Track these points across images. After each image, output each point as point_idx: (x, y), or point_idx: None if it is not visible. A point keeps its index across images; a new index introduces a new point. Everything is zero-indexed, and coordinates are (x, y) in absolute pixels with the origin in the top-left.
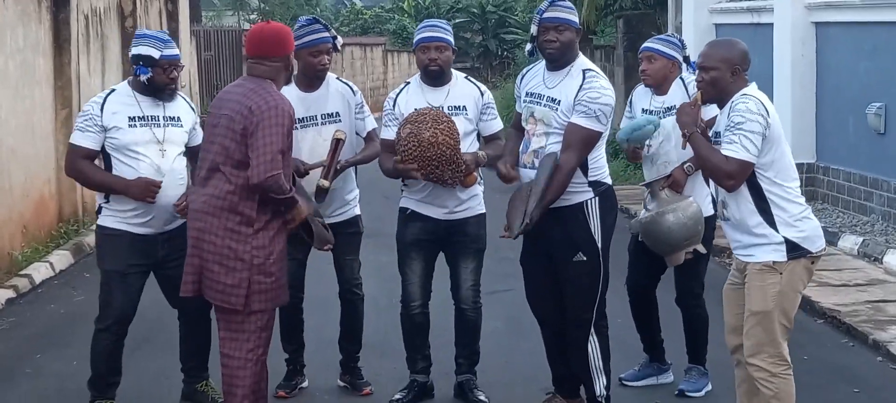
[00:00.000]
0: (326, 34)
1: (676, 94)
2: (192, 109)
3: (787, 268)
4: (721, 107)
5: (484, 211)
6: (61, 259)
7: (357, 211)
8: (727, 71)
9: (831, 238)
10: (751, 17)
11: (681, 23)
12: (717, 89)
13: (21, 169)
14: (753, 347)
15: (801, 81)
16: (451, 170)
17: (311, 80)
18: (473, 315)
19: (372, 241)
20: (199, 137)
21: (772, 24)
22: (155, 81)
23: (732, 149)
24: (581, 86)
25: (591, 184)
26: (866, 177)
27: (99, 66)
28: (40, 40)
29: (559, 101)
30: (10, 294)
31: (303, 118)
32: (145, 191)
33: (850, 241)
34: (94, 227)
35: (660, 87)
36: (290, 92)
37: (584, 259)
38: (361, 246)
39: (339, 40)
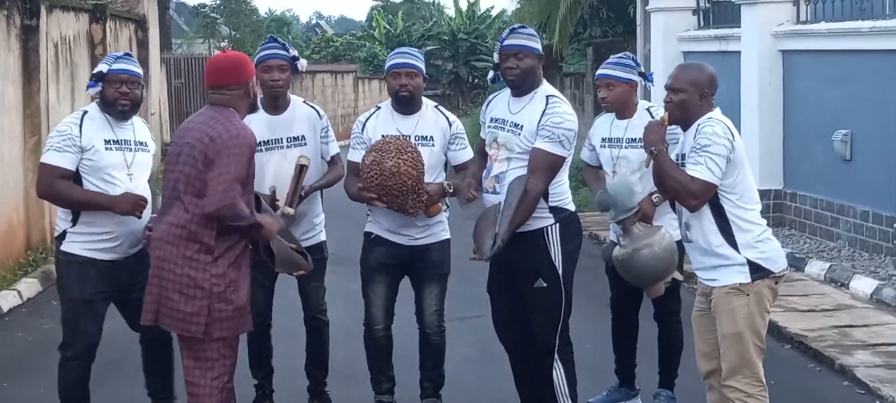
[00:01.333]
0: (279, 50)
1: (641, 124)
2: (153, 137)
3: (753, 290)
4: (685, 129)
5: (448, 236)
6: (29, 286)
7: (323, 236)
8: (695, 94)
9: (798, 263)
10: (719, 44)
11: (649, 50)
12: (684, 111)
13: None
14: (729, 370)
15: (769, 108)
16: (414, 200)
17: (274, 102)
18: (437, 339)
19: (341, 268)
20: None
21: (739, 52)
22: (105, 96)
23: (698, 170)
24: (544, 111)
25: (551, 209)
26: (833, 204)
27: (68, 95)
28: (9, 68)
29: (522, 127)
30: None
31: (268, 141)
32: (134, 206)
33: (816, 267)
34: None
35: (621, 112)
36: (258, 115)
37: (545, 285)
38: (330, 272)
39: (302, 63)
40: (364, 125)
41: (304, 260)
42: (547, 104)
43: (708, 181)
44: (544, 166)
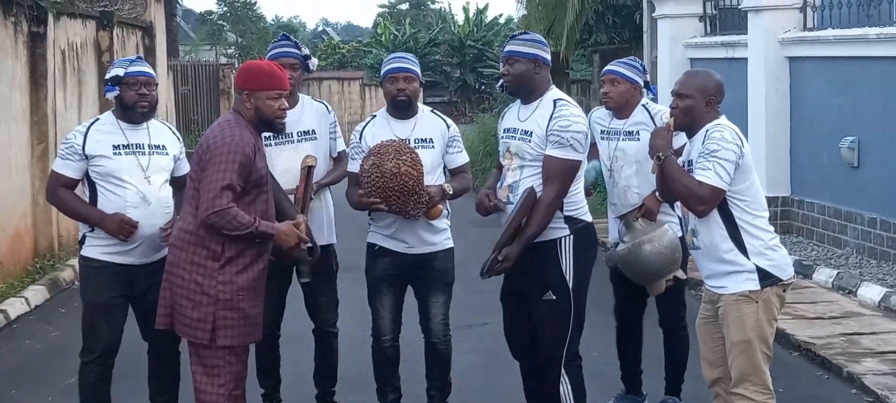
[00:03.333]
0: (291, 48)
1: (639, 120)
2: (178, 139)
3: (762, 297)
4: (690, 135)
5: (452, 245)
6: (37, 294)
7: (332, 239)
8: (702, 101)
9: (806, 271)
10: (725, 51)
11: (656, 57)
12: (690, 117)
13: None
14: (738, 378)
15: (776, 115)
16: (414, 202)
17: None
18: (444, 348)
19: (349, 275)
20: (184, 167)
21: (746, 59)
22: (123, 100)
23: (706, 175)
24: (552, 116)
25: (566, 220)
26: (840, 211)
27: (75, 101)
28: (17, 75)
29: (531, 133)
30: None
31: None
32: (119, 228)
33: (824, 274)
34: (70, 262)
35: (621, 111)
36: None
37: (554, 298)
38: (339, 279)
39: (314, 61)
40: (361, 134)
41: (307, 254)
42: (554, 108)
43: (716, 186)
44: (557, 173)
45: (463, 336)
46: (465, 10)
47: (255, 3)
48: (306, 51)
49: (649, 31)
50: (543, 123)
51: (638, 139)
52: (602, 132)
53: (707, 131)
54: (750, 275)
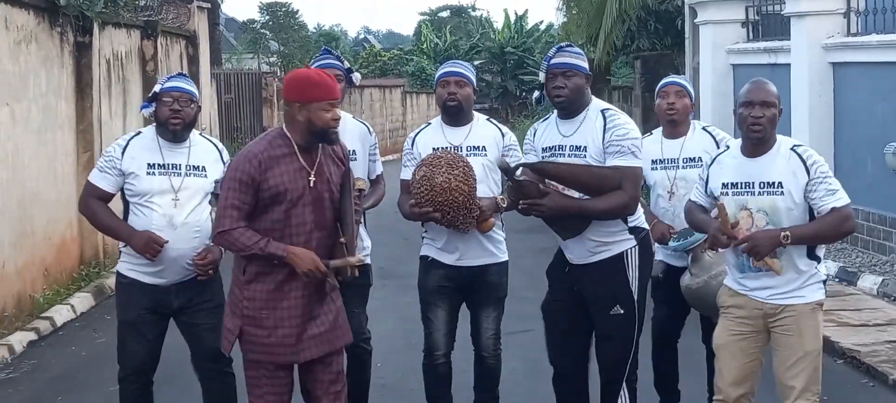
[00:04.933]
0: (334, 61)
1: (699, 144)
2: (223, 160)
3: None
4: (763, 148)
5: (506, 258)
6: (82, 301)
7: (368, 260)
8: (778, 109)
9: (851, 277)
10: (768, 57)
11: (698, 63)
12: (773, 126)
13: (43, 212)
14: (803, 390)
15: (819, 121)
16: (465, 216)
17: None
18: (493, 362)
19: (392, 283)
20: None
21: (789, 65)
22: (158, 116)
23: (838, 197)
24: (606, 127)
25: (631, 230)
26: (885, 217)
27: (120, 110)
28: (63, 84)
29: (584, 147)
30: (32, 336)
31: None
32: (147, 246)
33: (869, 281)
34: (115, 269)
35: (677, 128)
36: None
37: (622, 312)
38: (380, 287)
39: (357, 76)
40: (414, 140)
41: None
42: (605, 119)
43: (848, 199)
44: (631, 179)
45: (505, 344)
46: (506, 16)
47: (297, 11)
48: (347, 63)
49: (691, 38)
50: (598, 136)
51: (699, 164)
52: (656, 162)
53: (801, 156)
54: (820, 285)
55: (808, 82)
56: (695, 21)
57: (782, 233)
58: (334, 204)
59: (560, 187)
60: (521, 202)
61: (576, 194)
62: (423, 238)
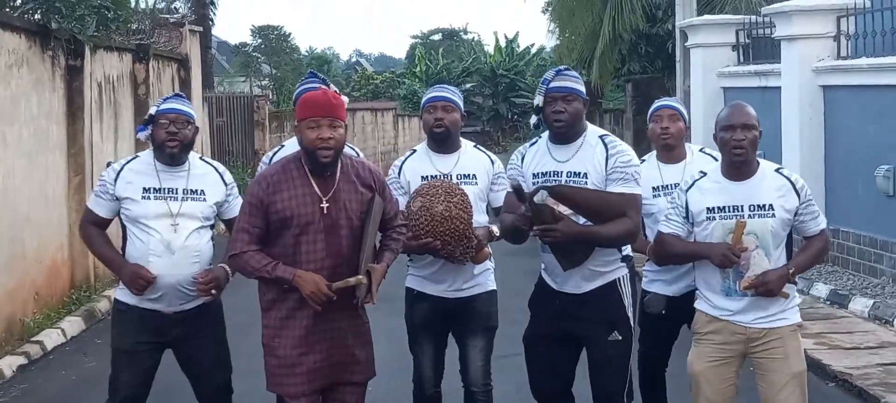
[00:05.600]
0: (319, 84)
1: (697, 165)
2: (224, 182)
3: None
4: (747, 172)
5: (494, 287)
6: (73, 325)
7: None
8: (758, 131)
9: (842, 300)
10: (759, 80)
11: (689, 86)
12: (754, 149)
13: (34, 235)
14: None
15: (810, 144)
16: (463, 247)
17: None
18: (483, 398)
19: (384, 306)
20: (234, 209)
21: (779, 88)
22: (154, 138)
23: (820, 219)
24: (607, 154)
25: (624, 259)
26: (876, 240)
27: (111, 134)
28: (54, 108)
29: (584, 174)
30: (22, 360)
31: None
32: (133, 280)
33: (860, 304)
34: (106, 293)
35: (671, 152)
36: (294, 152)
37: (620, 338)
38: (372, 310)
39: (344, 100)
40: (400, 169)
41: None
42: (606, 146)
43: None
44: (634, 207)
45: (498, 367)
46: (497, 39)
47: (289, 34)
48: (335, 88)
49: (682, 61)
50: (599, 162)
51: None
52: (657, 188)
53: (789, 179)
54: (797, 307)
55: (798, 105)
56: (686, 44)
57: (789, 269)
58: (353, 232)
59: (568, 213)
60: (535, 227)
61: (581, 220)
62: (407, 267)
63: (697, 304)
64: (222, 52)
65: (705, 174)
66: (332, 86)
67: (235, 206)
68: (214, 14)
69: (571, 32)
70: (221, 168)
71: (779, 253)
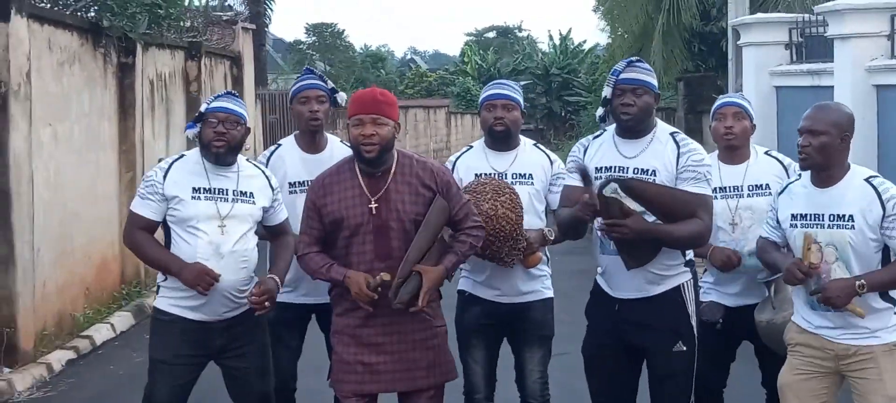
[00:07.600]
0: (315, 80)
1: (766, 170)
2: (272, 187)
3: None
4: (823, 176)
5: (551, 294)
6: (122, 320)
7: None
8: (837, 137)
9: None
10: (811, 79)
11: (741, 85)
12: (824, 156)
13: (84, 232)
14: None
15: (863, 144)
16: (510, 248)
17: (312, 138)
18: None
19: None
20: (279, 216)
21: (832, 87)
22: (201, 137)
23: None
24: (679, 152)
25: (687, 263)
26: None
27: (163, 131)
28: (106, 105)
29: (654, 171)
30: (71, 355)
31: (304, 182)
32: (198, 278)
33: None
34: (155, 288)
35: (734, 152)
36: (293, 152)
37: (684, 349)
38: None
39: (342, 96)
40: (454, 165)
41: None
42: (678, 144)
43: None
44: (705, 207)
45: None
46: (551, 37)
47: (344, 31)
48: (330, 84)
49: (734, 60)
50: (670, 160)
51: (767, 192)
52: (715, 190)
53: (878, 189)
54: (895, 326)
55: (851, 104)
56: (738, 43)
57: (857, 283)
58: (406, 234)
59: (637, 208)
60: (603, 221)
61: (650, 218)
62: (462, 268)
63: (793, 316)
64: (277, 50)
65: (800, 177)
66: (328, 82)
67: (280, 212)
68: (271, 11)
69: (625, 30)
70: (268, 172)
71: (865, 268)
